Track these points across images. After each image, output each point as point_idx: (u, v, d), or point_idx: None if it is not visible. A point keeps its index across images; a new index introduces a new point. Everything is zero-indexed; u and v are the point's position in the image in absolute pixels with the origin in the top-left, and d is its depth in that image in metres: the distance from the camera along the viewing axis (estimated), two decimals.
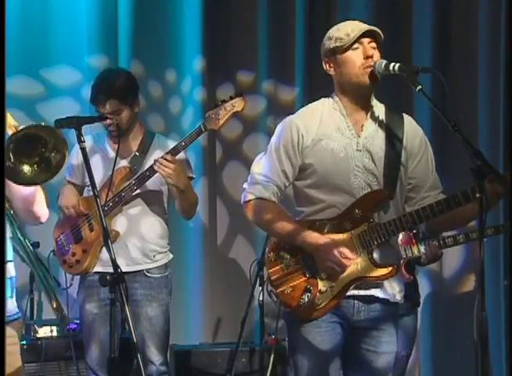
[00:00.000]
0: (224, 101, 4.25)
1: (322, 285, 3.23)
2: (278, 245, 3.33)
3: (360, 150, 3.27)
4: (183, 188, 4.23)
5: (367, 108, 3.32)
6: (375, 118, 3.32)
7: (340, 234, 3.24)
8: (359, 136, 3.28)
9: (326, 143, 3.25)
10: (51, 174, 2.97)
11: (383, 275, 3.25)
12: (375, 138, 3.30)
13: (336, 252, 3.18)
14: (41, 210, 3.31)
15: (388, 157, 3.29)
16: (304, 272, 3.27)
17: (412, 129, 3.37)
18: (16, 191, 3.21)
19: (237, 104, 4.23)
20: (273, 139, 3.34)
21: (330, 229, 3.25)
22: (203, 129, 4.23)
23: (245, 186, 3.38)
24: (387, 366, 3.33)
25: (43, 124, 2.97)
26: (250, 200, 3.33)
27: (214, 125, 4.24)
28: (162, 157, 4.15)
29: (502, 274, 5.57)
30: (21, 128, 2.91)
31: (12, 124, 2.97)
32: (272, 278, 3.30)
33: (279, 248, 3.32)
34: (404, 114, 3.39)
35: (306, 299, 3.24)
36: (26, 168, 2.96)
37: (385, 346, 3.31)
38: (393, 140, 3.31)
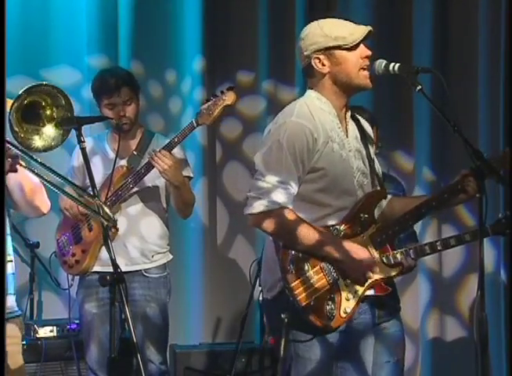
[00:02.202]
0: (215, 95, 4.26)
1: (347, 292, 3.12)
2: (297, 256, 3.09)
3: (351, 151, 3.23)
4: (178, 184, 4.22)
5: (347, 108, 3.28)
6: (350, 119, 3.31)
7: (356, 239, 3.17)
8: (347, 137, 3.24)
9: (331, 146, 3.16)
10: (62, 130, 2.99)
11: (396, 274, 3.24)
12: (357, 138, 3.29)
13: (369, 268, 3.13)
14: (43, 199, 3.31)
15: (368, 156, 3.29)
16: (327, 280, 3.11)
17: (366, 126, 3.39)
18: (17, 183, 3.20)
19: (227, 97, 4.22)
20: (285, 141, 3.09)
21: (344, 235, 3.17)
22: (195, 124, 4.22)
23: (254, 194, 3.09)
24: (370, 356, 3.31)
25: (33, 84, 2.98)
26: (273, 210, 3.06)
27: (205, 120, 4.22)
28: (159, 151, 4.15)
29: (502, 274, 5.56)
30: (14, 98, 2.92)
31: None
32: (296, 292, 3.05)
33: (299, 259, 3.09)
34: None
35: (332, 309, 3.09)
36: (36, 137, 2.97)
37: (370, 339, 3.30)
38: (364, 139, 3.32)
